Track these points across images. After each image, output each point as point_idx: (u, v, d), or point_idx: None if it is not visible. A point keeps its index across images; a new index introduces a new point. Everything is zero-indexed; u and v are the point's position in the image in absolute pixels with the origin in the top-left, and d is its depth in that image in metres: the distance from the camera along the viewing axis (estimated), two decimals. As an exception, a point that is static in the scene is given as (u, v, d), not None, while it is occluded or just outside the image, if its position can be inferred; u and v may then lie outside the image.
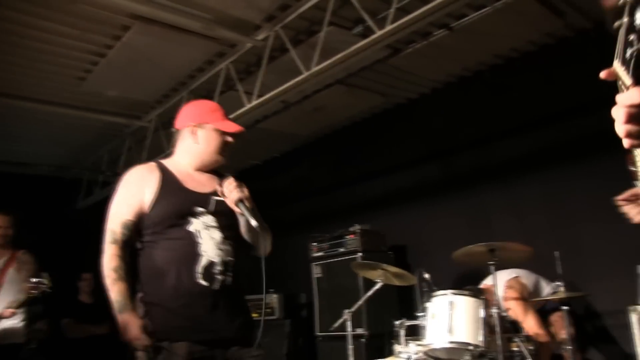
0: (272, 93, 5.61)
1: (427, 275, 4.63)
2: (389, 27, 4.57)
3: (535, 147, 5.71)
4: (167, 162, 2.72)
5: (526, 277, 4.92)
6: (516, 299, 4.70)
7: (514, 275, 4.89)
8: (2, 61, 5.57)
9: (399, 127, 7.13)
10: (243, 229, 2.64)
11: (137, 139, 7.49)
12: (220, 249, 2.52)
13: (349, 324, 4.76)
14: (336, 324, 4.85)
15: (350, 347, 4.85)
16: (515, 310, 4.66)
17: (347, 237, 6.50)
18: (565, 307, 4.43)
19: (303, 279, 7.03)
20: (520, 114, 5.79)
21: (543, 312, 4.81)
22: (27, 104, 6.42)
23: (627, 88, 1.08)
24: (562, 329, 4.52)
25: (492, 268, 4.29)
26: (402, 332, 4.45)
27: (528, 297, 4.76)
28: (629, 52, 1.04)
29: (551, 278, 4.65)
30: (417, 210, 6.70)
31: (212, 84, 6.11)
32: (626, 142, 1.12)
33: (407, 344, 4.38)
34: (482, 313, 4.04)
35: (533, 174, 5.66)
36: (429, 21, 4.70)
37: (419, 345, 4.19)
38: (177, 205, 2.54)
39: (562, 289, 4.39)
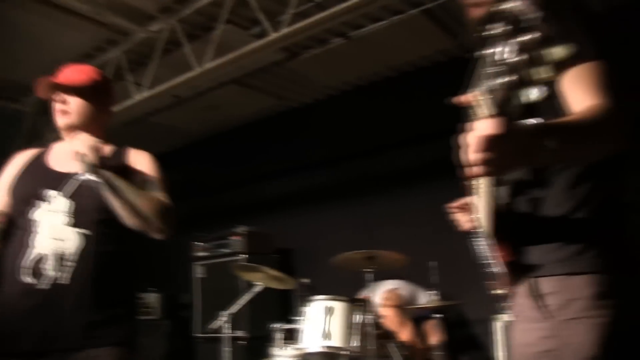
0: (163, 86, 5.48)
1: (306, 280, 4.65)
2: (284, 31, 4.59)
3: (421, 160, 5.86)
4: (57, 143, 2.43)
5: (404, 288, 5.06)
6: (392, 308, 4.82)
7: (393, 286, 5.02)
8: None
9: (292, 130, 7.14)
10: (116, 207, 2.14)
11: (13, 123, 7.03)
12: (59, 239, 2.13)
13: (226, 326, 4.70)
14: (213, 325, 4.78)
15: (227, 349, 4.79)
16: (391, 319, 4.77)
17: (232, 238, 6.43)
18: (437, 315, 4.58)
19: (185, 279, 6.89)
20: (411, 126, 5.94)
21: (419, 319, 4.95)
22: None
23: (486, 117, 1.07)
24: (435, 336, 4.69)
25: (370, 275, 4.36)
26: (279, 336, 4.44)
27: (404, 306, 4.88)
28: (494, 82, 1.04)
29: (429, 287, 4.78)
30: (306, 215, 6.71)
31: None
32: (477, 170, 1.10)
33: (284, 347, 4.37)
34: (358, 319, 4.08)
35: (418, 185, 5.81)
36: (325, 28, 4.76)
37: (295, 349, 4.19)
38: (22, 188, 2.24)
39: (436, 298, 4.53)
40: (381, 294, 4.88)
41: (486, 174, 1.12)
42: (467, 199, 1.89)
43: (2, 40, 5.42)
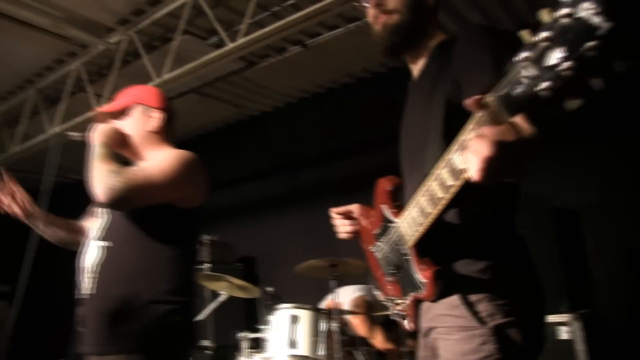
0: (122, 98, 5.45)
1: (270, 288, 4.66)
2: (240, 40, 4.61)
3: (379, 165, 5.90)
4: None
5: (369, 293, 5.06)
6: (361, 315, 4.83)
7: (359, 293, 5.01)
8: None
9: (251, 138, 7.16)
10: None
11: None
12: (86, 253, 2.30)
13: (192, 336, 4.68)
14: (180, 336, 4.75)
15: (193, 359, 4.77)
16: (361, 327, 4.77)
17: (196, 247, 6.38)
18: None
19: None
20: (369, 132, 6.01)
21: (387, 325, 4.96)
22: None
23: (497, 123, 1.07)
24: (405, 342, 4.70)
25: (333, 283, 4.39)
26: (245, 345, 4.45)
27: (372, 312, 4.89)
28: (519, 88, 0.98)
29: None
30: (268, 223, 6.73)
31: (62, 84, 5.89)
32: (478, 175, 1.11)
33: (250, 356, 4.38)
34: (323, 327, 4.11)
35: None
36: (282, 37, 4.79)
37: (262, 358, 4.20)
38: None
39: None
40: (348, 301, 4.89)
41: (484, 179, 1.11)
42: (351, 207, 1.97)
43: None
